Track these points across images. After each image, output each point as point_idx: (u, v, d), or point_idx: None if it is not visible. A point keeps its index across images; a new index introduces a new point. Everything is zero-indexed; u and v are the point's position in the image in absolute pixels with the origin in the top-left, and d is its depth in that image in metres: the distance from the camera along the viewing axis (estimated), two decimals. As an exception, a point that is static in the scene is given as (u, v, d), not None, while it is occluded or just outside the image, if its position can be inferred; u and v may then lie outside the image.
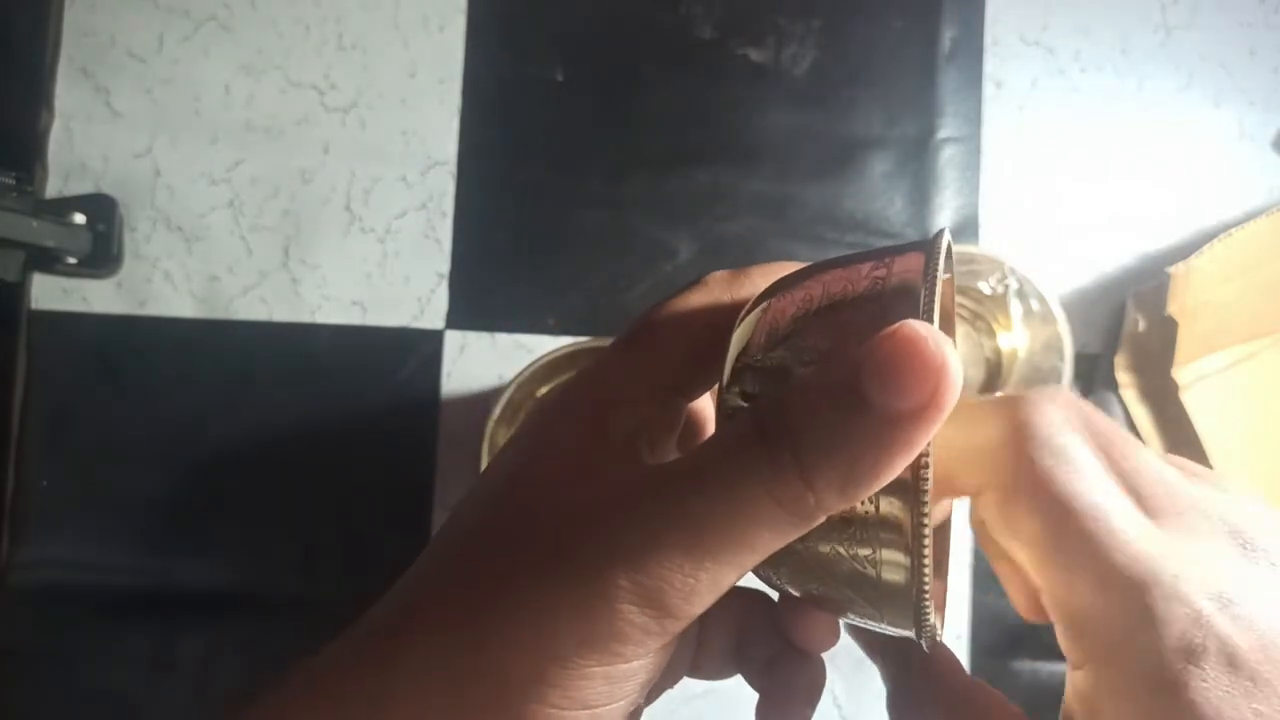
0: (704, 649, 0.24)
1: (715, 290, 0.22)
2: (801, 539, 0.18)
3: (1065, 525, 0.19)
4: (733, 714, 0.51)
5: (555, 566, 0.18)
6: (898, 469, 0.17)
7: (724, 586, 0.18)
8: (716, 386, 0.21)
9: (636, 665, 0.19)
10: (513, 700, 0.18)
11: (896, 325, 0.16)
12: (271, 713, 0.19)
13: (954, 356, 0.16)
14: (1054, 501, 0.19)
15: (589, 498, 0.19)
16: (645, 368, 0.21)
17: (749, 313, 0.21)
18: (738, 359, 0.20)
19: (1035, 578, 0.20)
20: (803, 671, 0.24)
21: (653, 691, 0.21)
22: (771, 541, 0.18)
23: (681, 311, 0.22)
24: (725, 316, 0.21)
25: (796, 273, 0.21)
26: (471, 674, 0.18)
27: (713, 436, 0.19)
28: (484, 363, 0.52)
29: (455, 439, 0.51)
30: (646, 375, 0.21)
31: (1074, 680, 0.19)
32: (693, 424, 0.24)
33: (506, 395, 0.45)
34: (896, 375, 0.16)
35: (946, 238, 0.19)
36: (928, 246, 0.19)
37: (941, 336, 0.16)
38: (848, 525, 0.18)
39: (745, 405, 0.20)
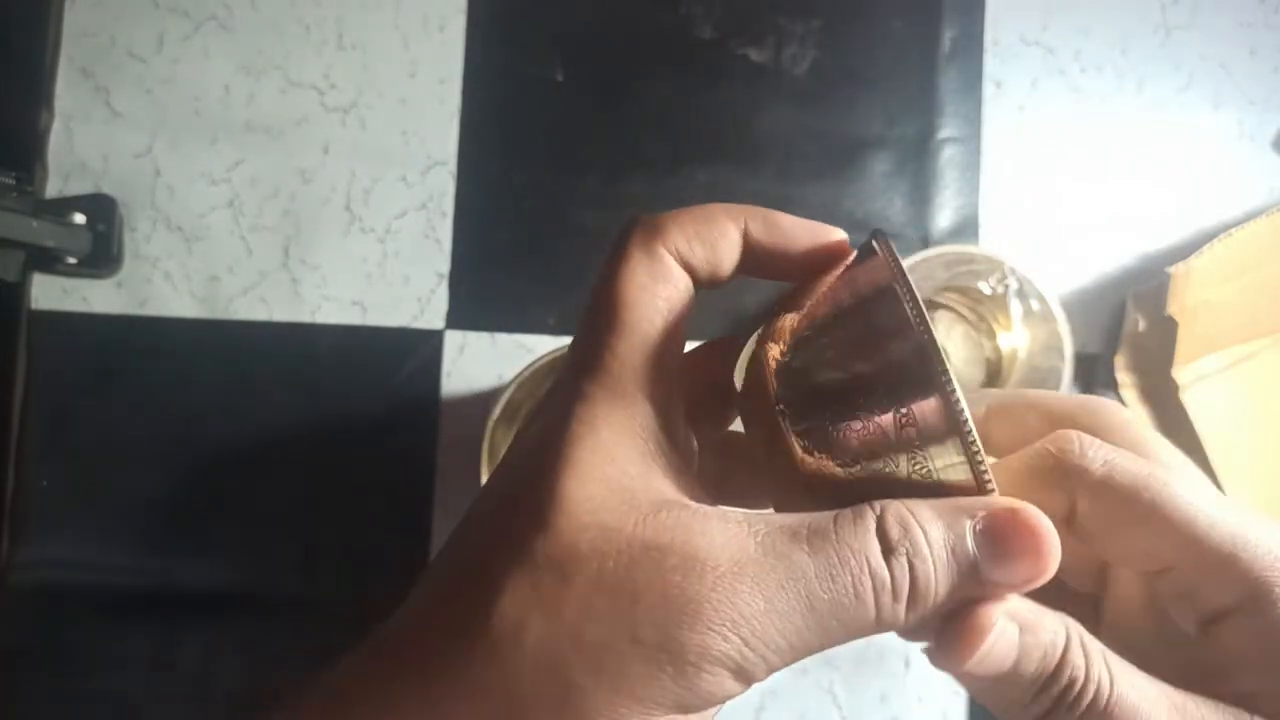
0: None
1: (653, 265, 0.21)
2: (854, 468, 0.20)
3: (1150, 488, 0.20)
4: (733, 714, 0.51)
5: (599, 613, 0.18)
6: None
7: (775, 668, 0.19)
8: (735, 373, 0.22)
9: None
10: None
11: (1015, 509, 0.19)
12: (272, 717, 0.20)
13: (1057, 540, 0.19)
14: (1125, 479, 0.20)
15: (642, 534, 0.19)
16: (631, 370, 0.21)
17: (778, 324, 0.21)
18: (779, 362, 0.21)
19: (1133, 546, 0.21)
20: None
21: None
22: (844, 636, 0.19)
23: (638, 315, 0.21)
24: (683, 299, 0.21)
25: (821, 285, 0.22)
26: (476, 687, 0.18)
27: (825, 530, 0.19)
28: (484, 363, 0.52)
29: (455, 439, 0.51)
30: (639, 374, 0.21)
31: (1221, 634, 0.20)
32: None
33: (506, 395, 0.45)
34: (1012, 560, 0.19)
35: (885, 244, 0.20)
36: (885, 254, 0.20)
37: (1049, 525, 0.19)
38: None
39: (786, 411, 0.20)
